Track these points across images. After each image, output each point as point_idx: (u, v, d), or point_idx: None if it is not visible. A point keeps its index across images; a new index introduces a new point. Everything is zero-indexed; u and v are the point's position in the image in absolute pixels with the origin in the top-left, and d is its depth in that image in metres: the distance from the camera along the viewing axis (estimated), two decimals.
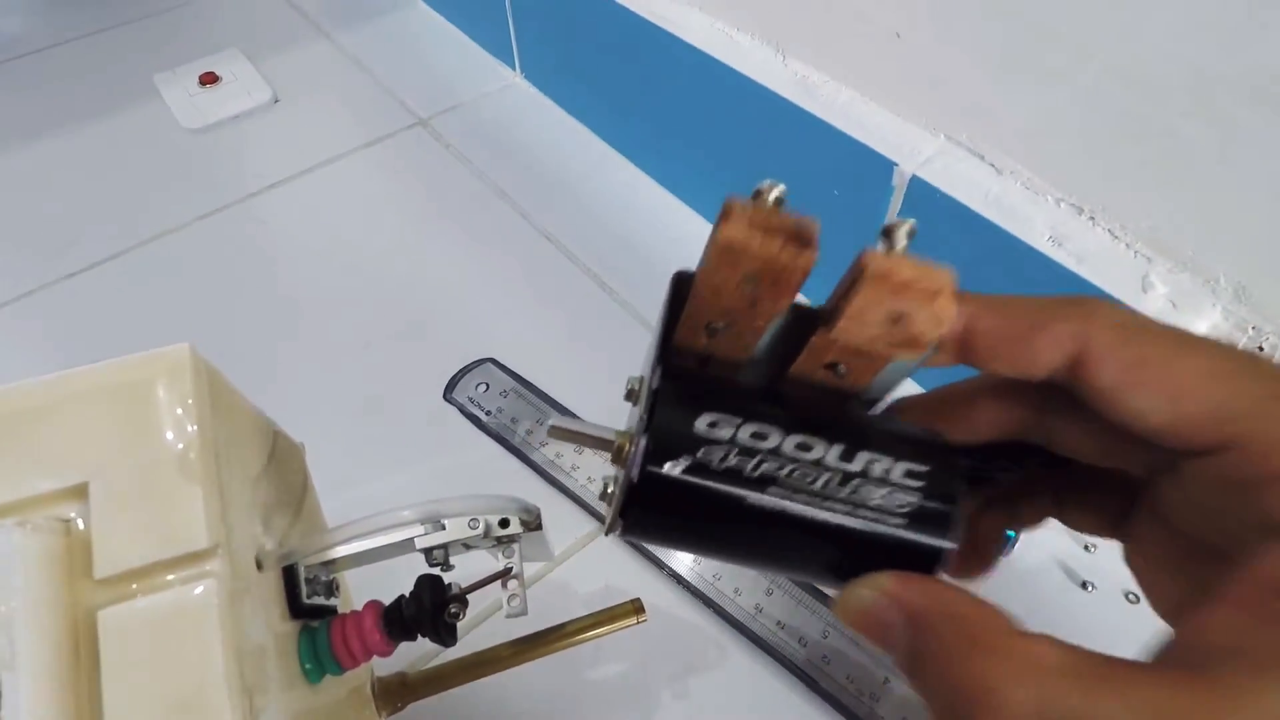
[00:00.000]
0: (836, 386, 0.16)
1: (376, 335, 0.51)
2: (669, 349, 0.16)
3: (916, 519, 0.16)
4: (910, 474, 0.16)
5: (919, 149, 0.41)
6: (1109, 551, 0.41)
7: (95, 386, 0.21)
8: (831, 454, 0.16)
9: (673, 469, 0.16)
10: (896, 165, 0.41)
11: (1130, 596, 0.40)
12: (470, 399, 0.47)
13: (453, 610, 0.24)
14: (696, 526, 0.17)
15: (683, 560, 0.40)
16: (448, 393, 0.48)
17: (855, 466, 0.16)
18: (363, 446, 0.45)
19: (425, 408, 0.47)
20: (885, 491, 0.16)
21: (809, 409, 0.17)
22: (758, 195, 0.15)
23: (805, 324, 0.16)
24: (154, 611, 0.19)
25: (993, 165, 0.39)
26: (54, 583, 0.19)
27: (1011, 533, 0.40)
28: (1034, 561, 0.41)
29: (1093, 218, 0.36)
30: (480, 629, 0.38)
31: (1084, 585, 0.40)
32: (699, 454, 0.16)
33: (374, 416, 0.47)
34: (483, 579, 0.25)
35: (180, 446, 0.21)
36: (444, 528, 0.25)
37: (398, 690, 0.29)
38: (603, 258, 0.55)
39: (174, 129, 0.66)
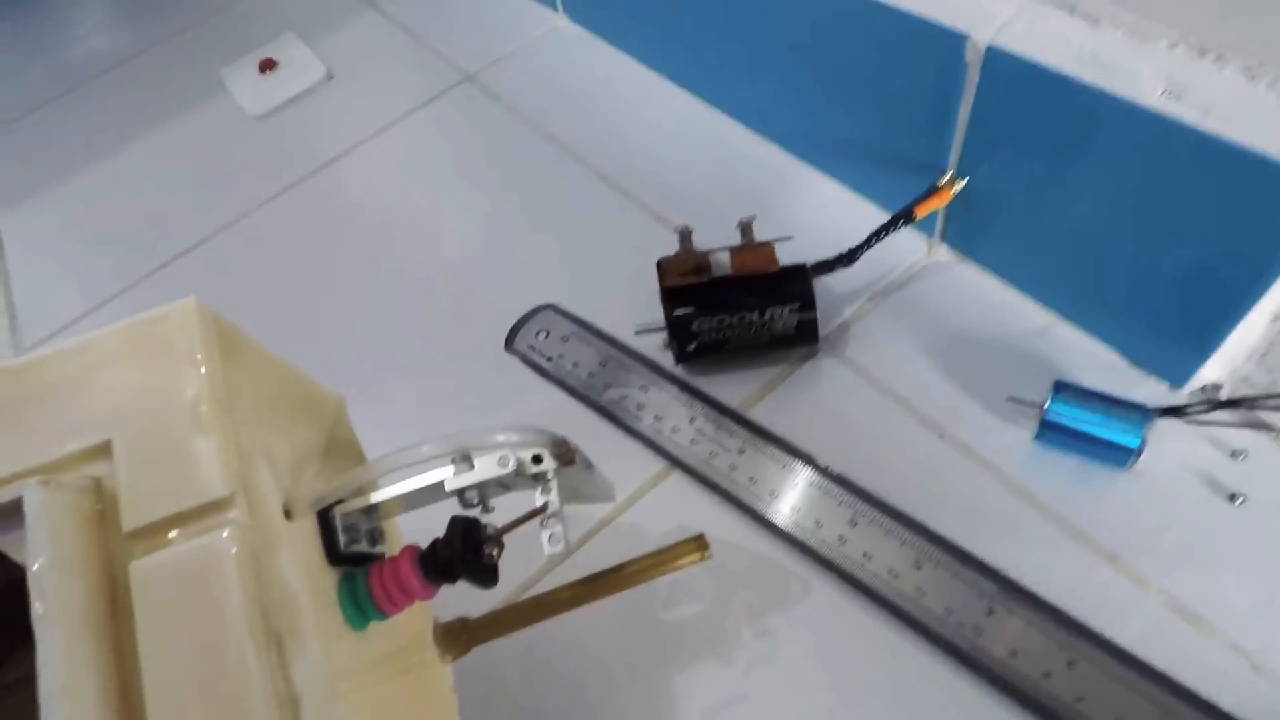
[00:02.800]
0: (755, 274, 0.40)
1: (438, 291, 0.51)
2: (664, 285, 0.40)
3: (800, 321, 0.40)
4: (790, 310, 0.39)
5: (994, 13, 0.35)
6: (1264, 457, 0.35)
7: (111, 348, 0.21)
8: (753, 315, 0.39)
9: (689, 342, 0.41)
10: (968, 38, 0.35)
11: None
12: (531, 347, 0.46)
13: (489, 551, 0.23)
14: (706, 356, 0.41)
15: (758, 495, 0.38)
16: (509, 343, 0.47)
17: (767, 316, 0.40)
18: (428, 402, 0.45)
19: (487, 360, 0.47)
20: (783, 316, 0.39)
21: (740, 291, 0.39)
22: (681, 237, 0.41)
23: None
24: (179, 560, 0.19)
25: (1086, 16, 0.33)
26: (83, 537, 0.19)
27: (1135, 442, 0.34)
28: (1165, 474, 0.35)
29: (1220, 57, 0.29)
30: (554, 575, 0.38)
31: (1232, 498, 0.34)
32: (693, 326, 0.40)
33: (438, 372, 0.47)
34: (518, 518, 0.24)
35: (192, 398, 0.20)
36: (473, 468, 0.23)
37: (460, 635, 0.28)
38: (659, 190, 0.52)
39: (240, 118, 0.68)
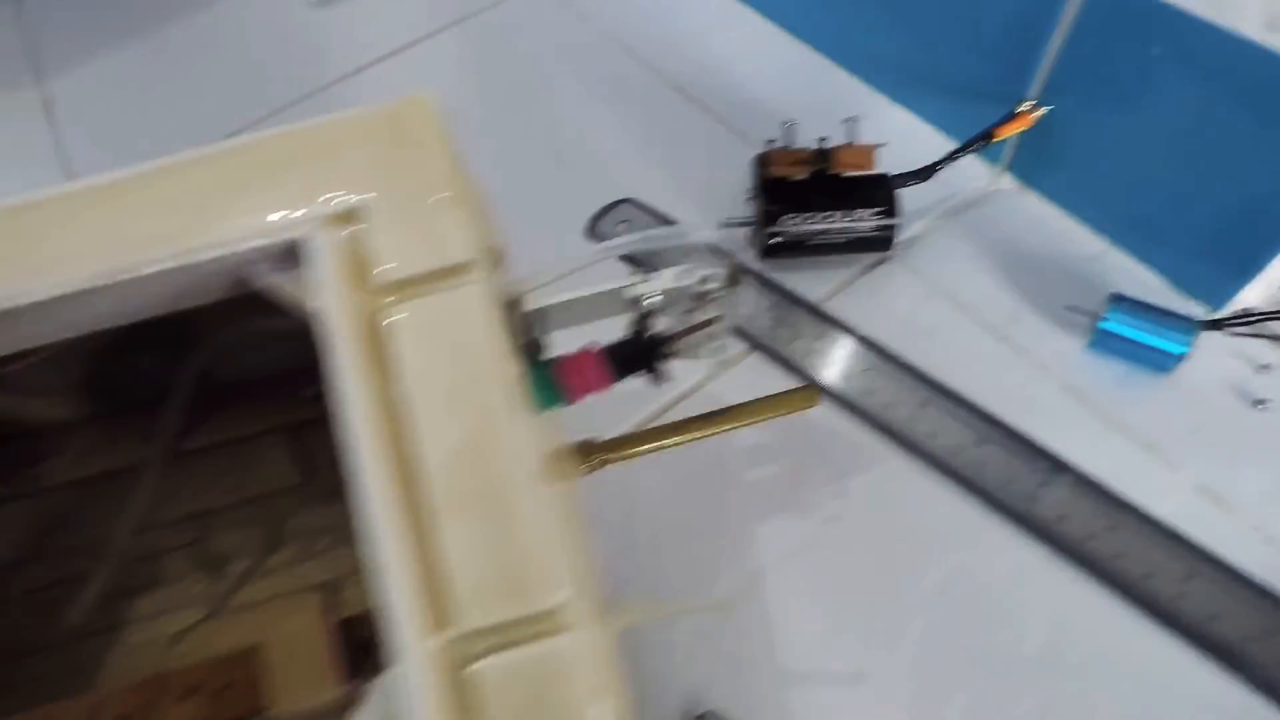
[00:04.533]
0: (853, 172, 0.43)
1: (513, 181, 0.53)
2: (761, 179, 0.43)
3: (879, 226, 0.43)
4: (872, 213, 0.42)
5: None
6: None
7: (350, 129, 0.23)
8: (838, 215, 0.43)
9: (775, 237, 0.43)
10: None
11: None
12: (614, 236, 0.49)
13: (667, 349, 0.26)
14: (787, 254, 0.44)
15: (833, 372, 0.41)
16: (590, 231, 0.49)
17: (851, 219, 0.43)
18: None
19: (569, 247, 0.49)
20: (865, 219, 0.43)
21: (829, 193, 0.43)
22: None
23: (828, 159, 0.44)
24: (436, 308, 0.21)
25: None
26: (349, 281, 0.21)
27: (1184, 349, 0.39)
28: (1199, 382, 0.40)
29: None
30: (666, 416, 0.40)
31: (1256, 403, 0.39)
32: (782, 222, 0.43)
33: (520, 254, 0.49)
34: (691, 325, 0.26)
35: (436, 174, 0.23)
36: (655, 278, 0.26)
37: (593, 451, 0.31)
38: (735, 106, 0.55)
39: (298, 3, 0.67)
